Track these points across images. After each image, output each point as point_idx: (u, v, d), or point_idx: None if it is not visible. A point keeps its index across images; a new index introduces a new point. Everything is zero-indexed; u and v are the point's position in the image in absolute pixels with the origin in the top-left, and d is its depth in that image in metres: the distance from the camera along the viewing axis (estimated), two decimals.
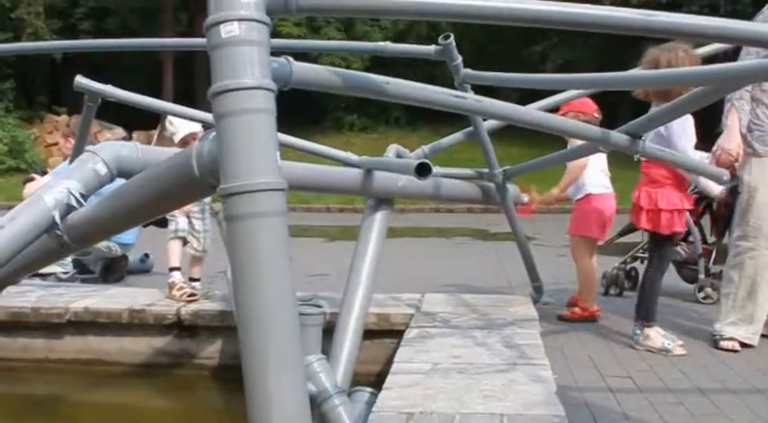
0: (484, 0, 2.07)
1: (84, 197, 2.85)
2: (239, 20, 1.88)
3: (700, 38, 2.27)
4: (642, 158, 4.01)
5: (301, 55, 3.27)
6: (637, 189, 4.49)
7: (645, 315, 4.41)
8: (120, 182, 2.91)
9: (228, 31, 1.88)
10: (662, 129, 4.22)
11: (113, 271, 6.60)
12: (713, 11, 21.00)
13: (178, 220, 4.99)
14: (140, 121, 19.98)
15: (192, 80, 25.97)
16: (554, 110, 4.44)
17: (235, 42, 1.88)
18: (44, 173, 7.41)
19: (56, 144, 19.69)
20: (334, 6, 2.11)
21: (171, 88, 26.15)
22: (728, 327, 4.44)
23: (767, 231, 4.39)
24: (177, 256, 4.99)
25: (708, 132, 4.59)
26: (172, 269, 4.87)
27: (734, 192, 4.88)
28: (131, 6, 28.04)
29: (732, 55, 4.27)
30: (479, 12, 2.09)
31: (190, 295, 4.67)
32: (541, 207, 5.48)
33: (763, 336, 4.52)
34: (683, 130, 4.30)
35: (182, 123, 5.02)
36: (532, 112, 3.26)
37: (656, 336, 4.37)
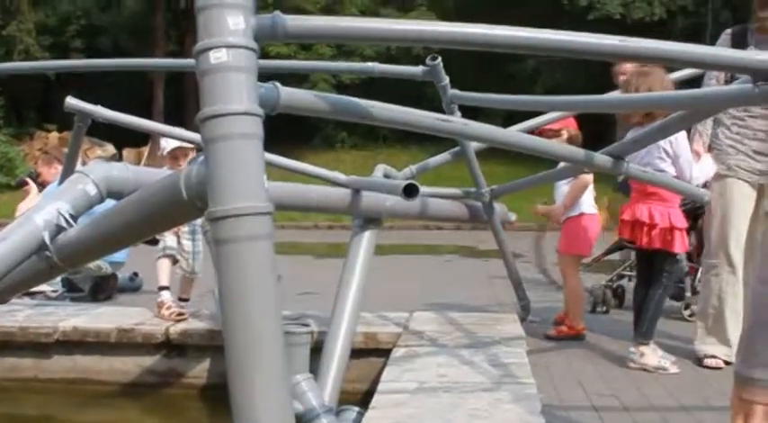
0: (464, 27, 2.12)
1: (74, 218, 2.88)
2: (228, 47, 1.91)
3: (671, 63, 2.33)
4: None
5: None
6: (641, 207, 4.50)
7: (644, 334, 4.44)
8: (110, 202, 2.94)
9: (217, 57, 1.92)
10: (668, 147, 4.32)
11: (103, 290, 6.61)
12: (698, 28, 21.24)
13: (167, 238, 5.01)
14: (130, 139, 20.01)
15: (182, 97, 26.02)
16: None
17: (223, 68, 1.91)
18: (38, 176, 7.38)
19: None
20: (320, 33, 2.15)
21: (161, 105, 26.19)
22: (708, 346, 4.50)
23: (727, 249, 4.46)
24: (167, 274, 5.01)
25: None
26: (161, 288, 4.89)
27: None
28: (122, 24, 28.14)
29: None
30: (460, 38, 2.14)
31: (178, 314, 4.69)
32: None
33: None
34: (689, 148, 4.39)
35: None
36: (518, 135, 3.32)
37: (652, 354, 4.40)
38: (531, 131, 4.51)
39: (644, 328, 4.45)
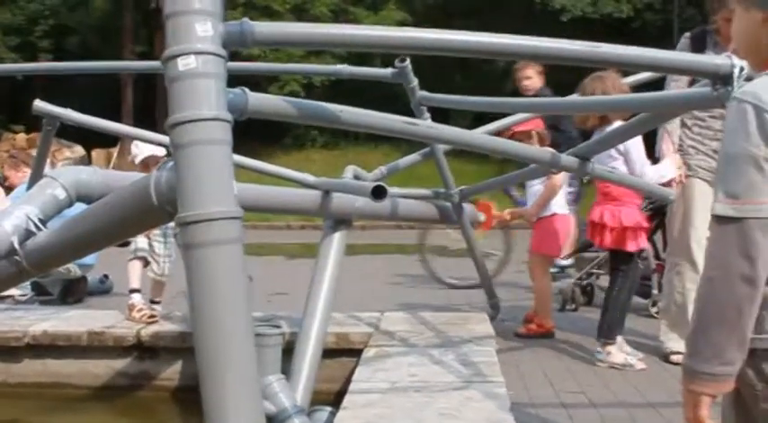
0: (434, 33, 2.16)
1: (44, 222, 2.88)
2: (196, 53, 1.93)
3: (637, 67, 2.40)
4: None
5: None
6: (596, 208, 4.61)
7: (607, 333, 4.51)
8: (79, 206, 2.95)
9: (186, 63, 1.94)
10: (620, 146, 4.38)
11: (73, 292, 6.57)
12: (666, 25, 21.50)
13: (137, 239, 5.00)
14: (99, 139, 19.82)
15: (152, 98, 25.84)
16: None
17: (192, 75, 1.93)
18: (5, 179, 7.35)
19: None
20: (288, 39, 2.18)
21: (131, 105, 26.03)
22: (672, 342, 4.58)
23: (688, 248, 4.54)
24: (138, 277, 5.00)
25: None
26: (132, 291, 4.88)
27: None
28: (91, 24, 27.89)
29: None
30: (430, 44, 2.18)
31: (150, 317, 4.68)
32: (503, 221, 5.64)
33: None
34: (640, 146, 4.45)
35: (145, 146, 5.06)
36: (484, 138, 3.36)
37: (618, 352, 4.47)
38: (500, 133, 4.57)
39: (605, 328, 4.53)
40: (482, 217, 5.15)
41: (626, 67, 2.20)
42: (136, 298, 4.83)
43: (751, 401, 1.66)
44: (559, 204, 5.36)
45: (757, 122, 1.54)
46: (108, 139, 19.32)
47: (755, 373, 1.64)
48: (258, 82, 22.96)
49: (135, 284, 4.93)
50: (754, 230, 1.53)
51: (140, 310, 4.73)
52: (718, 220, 1.58)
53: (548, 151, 3.62)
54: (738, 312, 1.55)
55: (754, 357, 1.61)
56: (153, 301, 5.02)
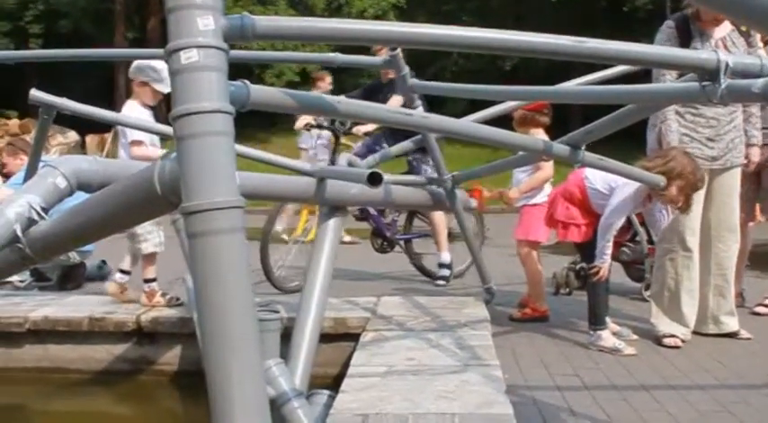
0: (426, 28, 2.21)
1: (45, 211, 2.93)
2: (198, 47, 1.97)
3: (624, 63, 2.44)
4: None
5: None
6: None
7: (594, 320, 4.58)
8: (80, 194, 2.99)
9: (188, 57, 1.98)
10: (605, 191, 4.54)
11: (71, 279, 6.60)
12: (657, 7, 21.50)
13: (160, 232, 5.01)
14: (93, 124, 19.77)
15: None
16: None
17: (194, 68, 1.97)
18: (3, 166, 7.39)
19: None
20: (289, 33, 2.22)
21: (123, 89, 25.96)
22: (665, 325, 4.65)
23: (682, 235, 4.61)
24: (155, 268, 5.04)
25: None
26: (147, 280, 4.93)
27: None
28: (83, 8, 27.71)
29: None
30: (423, 38, 2.23)
31: (175, 299, 4.80)
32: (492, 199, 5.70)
33: (703, 334, 4.76)
34: (626, 199, 4.49)
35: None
36: (475, 126, 3.39)
37: (608, 337, 4.54)
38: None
39: (592, 315, 4.60)
40: (473, 202, 5.20)
41: (611, 62, 2.25)
42: (154, 285, 4.91)
43: None
44: (547, 193, 5.40)
45: None
46: (102, 125, 19.24)
47: None
48: (251, 69, 22.91)
49: (152, 275, 4.97)
50: None
51: (164, 294, 4.83)
52: None
53: (539, 139, 3.66)
54: None
55: None
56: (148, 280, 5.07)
